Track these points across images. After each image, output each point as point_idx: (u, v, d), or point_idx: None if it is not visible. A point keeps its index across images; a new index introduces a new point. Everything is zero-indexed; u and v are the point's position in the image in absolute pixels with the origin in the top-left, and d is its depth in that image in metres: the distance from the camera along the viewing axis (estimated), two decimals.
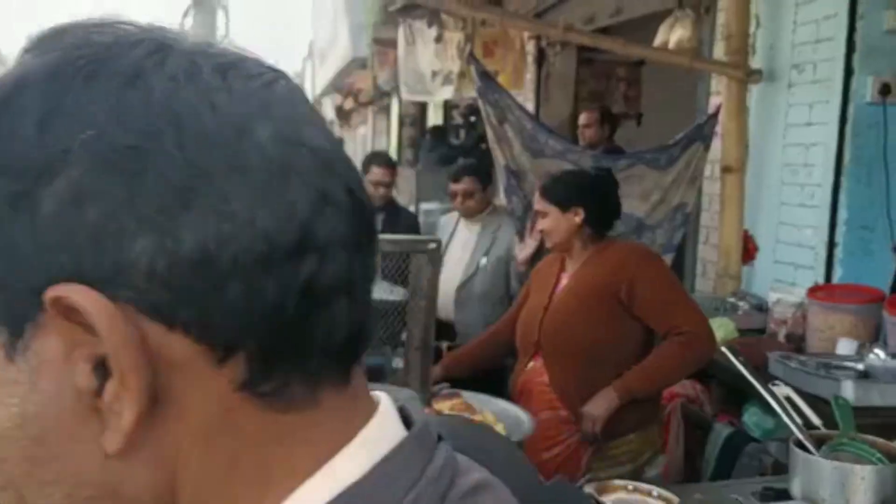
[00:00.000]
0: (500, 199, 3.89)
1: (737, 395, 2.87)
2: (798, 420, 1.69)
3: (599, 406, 2.19)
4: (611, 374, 2.25)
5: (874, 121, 2.99)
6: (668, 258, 3.63)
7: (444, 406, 1.53)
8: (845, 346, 2.64)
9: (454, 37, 5.90)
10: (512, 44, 5.84)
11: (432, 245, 1.73)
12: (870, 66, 2.99)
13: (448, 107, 8.33)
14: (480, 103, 3.74)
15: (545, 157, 3.66)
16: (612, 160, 3.75)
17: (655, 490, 1.58)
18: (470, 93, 6.07)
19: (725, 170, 3.51)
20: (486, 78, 3.68)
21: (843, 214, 3.07)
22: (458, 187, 3.47)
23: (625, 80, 6.56)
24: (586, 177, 2.55)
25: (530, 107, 5.76)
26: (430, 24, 6.02)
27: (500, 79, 5.83)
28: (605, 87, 6.48)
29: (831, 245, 3.11)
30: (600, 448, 2.26)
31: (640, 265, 2.35)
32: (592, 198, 2.40)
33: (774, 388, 1.68)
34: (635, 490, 1.59)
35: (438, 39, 5.98)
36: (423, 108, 9.58)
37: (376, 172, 3.85)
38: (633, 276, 2.30)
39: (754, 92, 3.52)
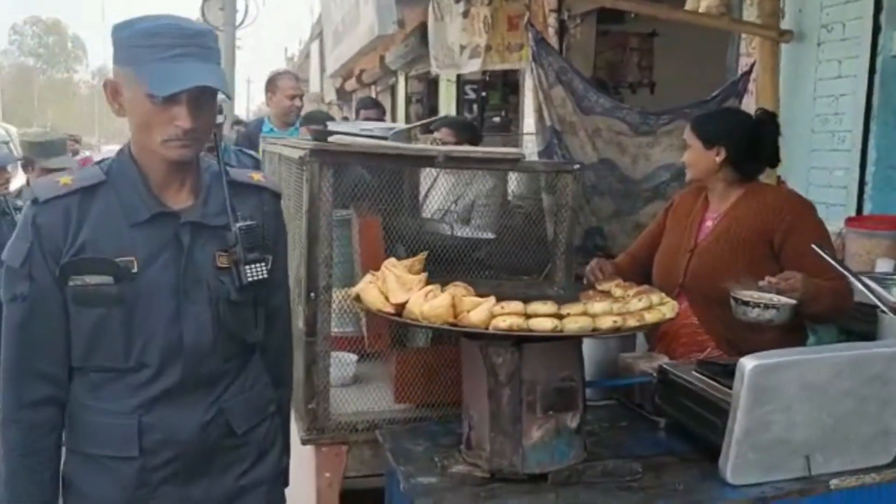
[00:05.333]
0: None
1: None
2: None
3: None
4: None
5: None
6: None
7: (608, 286, 1.86)
8: (884, 266, 3.04)
9: (480, 11, 6.23)
10: (535, 17, 6.18)
11: (577, 166, 2.09)
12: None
13: (461, 83, 8.66)
14: (533, 67, 4.06)
15: (595, 113, 4.02)
16: (654, 116, 4.13)
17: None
18: (494, 66, 6.42)
19: None
20: (543, 44, 4.02)
21: (872, 155, 3.47)
22: (436, 136, 3.82)
23: (638, 50, 6.93)
24: (736, 118, 2.51)
25: None
26: (457, 0, 6.35)
27: (523, 52, 6.19)
28: (620, 58, 6.84)
29: (861, 184, 3.51)
30: None
31: (800, 215, 2.30)
32: (739, 140, 2.36)
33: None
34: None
35: (465, 14, 6.31)
36: (431, 85, 9.89)
37: None
38: (791, 226, 2.25)
39: (783, 52, 3.90)
